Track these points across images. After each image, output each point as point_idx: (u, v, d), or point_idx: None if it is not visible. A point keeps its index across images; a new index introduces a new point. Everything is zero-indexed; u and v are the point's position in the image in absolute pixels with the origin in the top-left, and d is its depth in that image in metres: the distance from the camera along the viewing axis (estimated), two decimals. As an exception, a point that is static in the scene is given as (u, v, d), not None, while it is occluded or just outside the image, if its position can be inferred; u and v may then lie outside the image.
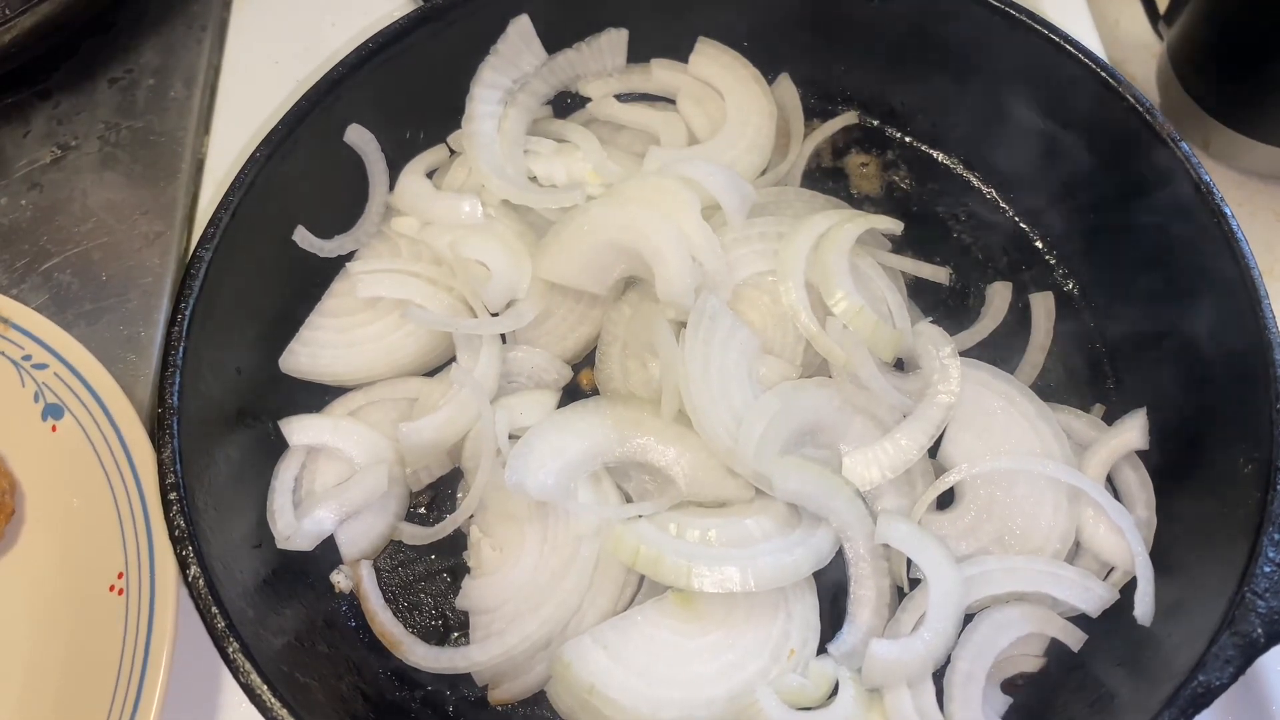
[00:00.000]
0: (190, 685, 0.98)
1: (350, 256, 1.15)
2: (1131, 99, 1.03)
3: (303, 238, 1.10)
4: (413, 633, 1.01)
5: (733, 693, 0.91)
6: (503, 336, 1.10)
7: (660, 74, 1.26)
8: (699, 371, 0.98)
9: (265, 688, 0.82)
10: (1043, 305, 1.15)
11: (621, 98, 1.26)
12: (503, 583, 0.98)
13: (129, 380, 1.14)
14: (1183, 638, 0.87)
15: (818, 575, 0.97)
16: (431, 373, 1.11)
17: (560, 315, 1.12)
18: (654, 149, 1.18)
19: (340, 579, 1.04)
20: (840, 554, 0.99)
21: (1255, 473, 0.89)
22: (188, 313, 0.95)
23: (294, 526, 1.00)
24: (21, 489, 1.05)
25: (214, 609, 0.85)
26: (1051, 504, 1.00)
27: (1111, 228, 1.11)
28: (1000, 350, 1.13)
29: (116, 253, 1.23)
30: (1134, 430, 1.03)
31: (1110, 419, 1.07)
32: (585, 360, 1.14)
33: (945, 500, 1.03)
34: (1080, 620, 0.97)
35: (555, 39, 1.21)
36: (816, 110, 1.28)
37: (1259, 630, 0.82)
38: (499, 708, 0.99)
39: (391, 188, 1.18)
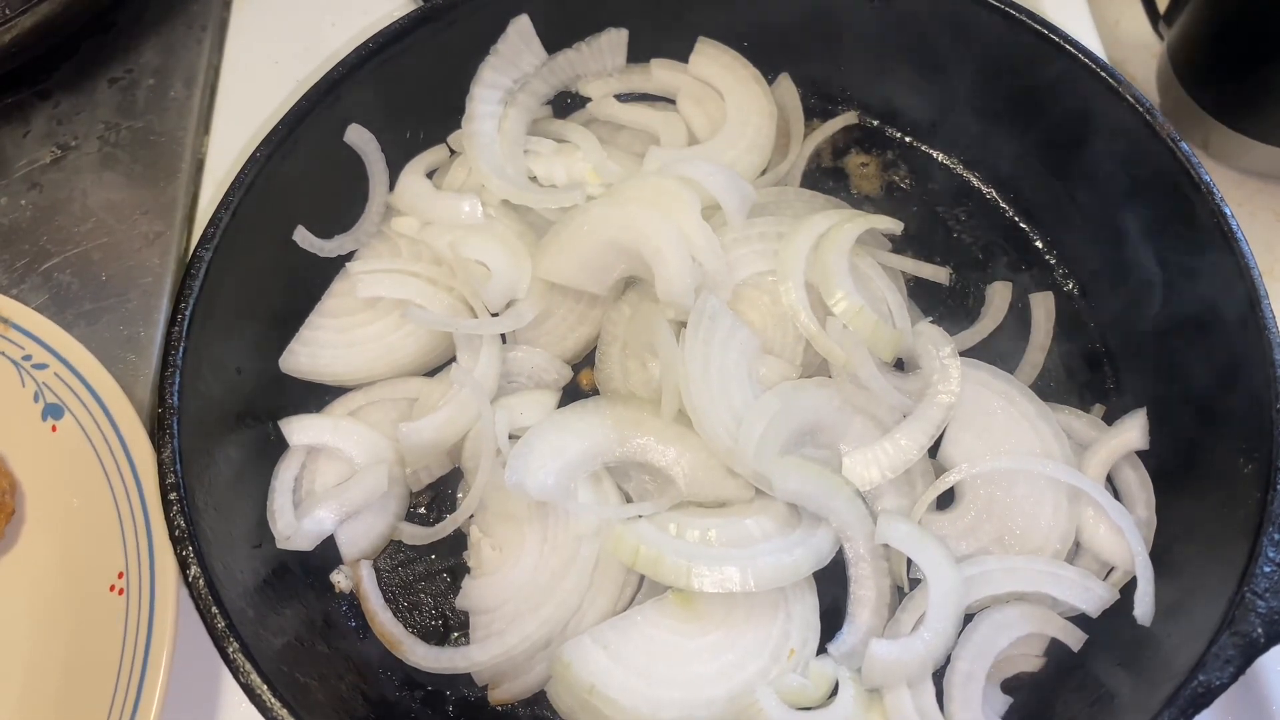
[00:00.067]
0: (190, 685, 0.98)
1: (350, 256, 1.15)
2: (1131, 99, 1.03)
3: (303, 238, 1.10)
4: (413, 633, 1.01)
5: (733, 693, 0.91)
6: (503, 336, 1.10)
7: (660, 74, 1.26)
8: (699, 371, 0.98)
9: (265, 688, 0.82)
10: (1043, 305, 1.15)
11: (621, 98, 1.26)
12: (503, 583, 0.98)
13: (129, 380, 1.14)
14: (1183, 638, 0.87)
15: (818, 575, 0.97)
16: (431, 373, 1.11)
17: (560, 315, 1.12)
18: (654, 149, 1.18)
19: (340, 579, 1.04)
20: (840, 554, 0.99)
21: (1255, 473, 0.89)
22: (188, 313, 0.95)
23: (294, 526, 1.00)
24: (21, 489, 1.05)
25: (214, 609, 0.85)
26: (1051, 504, 1.00)
27: (1111, 228, 1.11)
28: (1000, 350, 1.13)
29: (116, 253, 1.23)
30: (1134, 430, 1.03)
31: (1110, 419, 1.07)
32: (585, 360, 1.14)
33: (945, 500, 1.03)
34: (1080, 620, 0.97)
35: (555, 39, 1.21)
36: (816, 110, 1.28)
37: (1259, 630, 0.82)
38: (499, 708, 0.99)
39: (391, 188, 1.18)
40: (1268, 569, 0.84)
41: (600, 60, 1.25)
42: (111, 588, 0.96)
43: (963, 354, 1.07)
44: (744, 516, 0.96)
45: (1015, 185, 1.22)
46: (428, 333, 1.10)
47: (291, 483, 1.04)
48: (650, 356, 1.06)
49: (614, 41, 1.24)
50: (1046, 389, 1.12)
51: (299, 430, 1.05)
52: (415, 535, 1.05)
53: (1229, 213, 0.97)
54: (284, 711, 0.81)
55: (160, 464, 0.90)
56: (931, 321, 1.08)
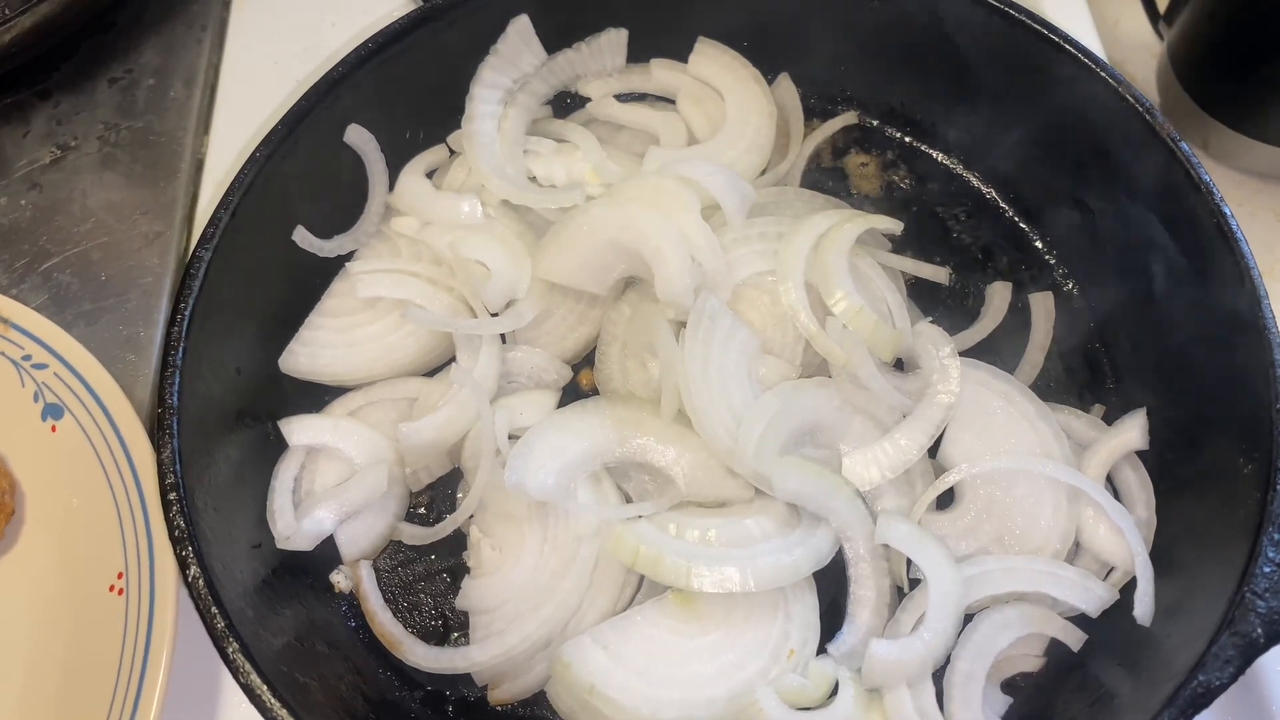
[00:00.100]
0: (190, 685, 0.98)
1: (350, 256, 1.15)
2: (1131, 99, 1.03)
3: (303, 238, 1.10)
4: (413, 633, 1.01)
5: (733, 693, 0.91)
6: (502, 336, 1.10)
7: (660, 74, 1.26)
8: (699, 371, 0.98)
9: (265, 688, 0.82)
10: (1043, 305, 1.15)
11: (621, 98, 1.26)
12: (503, 583, 0.98)
13: (129, 380, 1.14)
14: (1183, 638, 0.87)
15: (818, 575, 0.97)
16: (431, 373, 1.11)
17: (560, 315, 1.12)
18: (654, 149, 1.18)
19: (340, 579, 1.04)
20: (840, 554, 0.99)
21: (1255, 473, 0.89)
22: (188, 313, 0.95)
23: (294, 526, 1.00)
24: (21, 489, 1.05)
25: (214, 609, 0.85)
26: (1051, 504, 1.00)
27: (1111, 228, 1.11)
28: (1000, 350, 1.13)
29: (116, 253, 1.23)
30: (1134, 430, 1.03)
31: (1110, 419, 1.07)
32: (585, 360, 1.14)
33: (945, 500, 1.03)
34: (1080, 620, 0.97)
35: (555, 39, 1.21)
36: (816, 110, 1.28)
37: (1259, 630, 0.82)
38: (499, 708, 0.99)
39: (391, 188, 1.18)
40: (1268, 569, 0.84)
41: (600, 60, 1.25)
42: (111, 588, 0.96)
43: (963, 354, 1.07)
44: (744, 516, 0.96)
45: (1015, 185, 1.22)
46: (428, 333, 1.10)
47: (291, 483, 1.04)
48: (650, 356, 1.06)
49: (614, 41, 1.24)
50: (1046, 389, 1.12)
51: (299, 430, 1.05)
52: (415, 535, 1.05)
53: (1229, 213, 0.97)
54: (284, 711, 0.81)
55: (160, 464, 0.90)
56: (931, 321, 1.08)
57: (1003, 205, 1.23)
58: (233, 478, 0.99)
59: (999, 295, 1.16)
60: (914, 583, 0.98)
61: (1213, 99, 1.28)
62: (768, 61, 1.24)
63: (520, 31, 1.17)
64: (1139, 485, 1.03)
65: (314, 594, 1.02)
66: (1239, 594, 0.84)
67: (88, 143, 1.31)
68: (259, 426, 1.05)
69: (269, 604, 0.94)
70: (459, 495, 1.07)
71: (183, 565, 0.87)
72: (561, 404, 1.06)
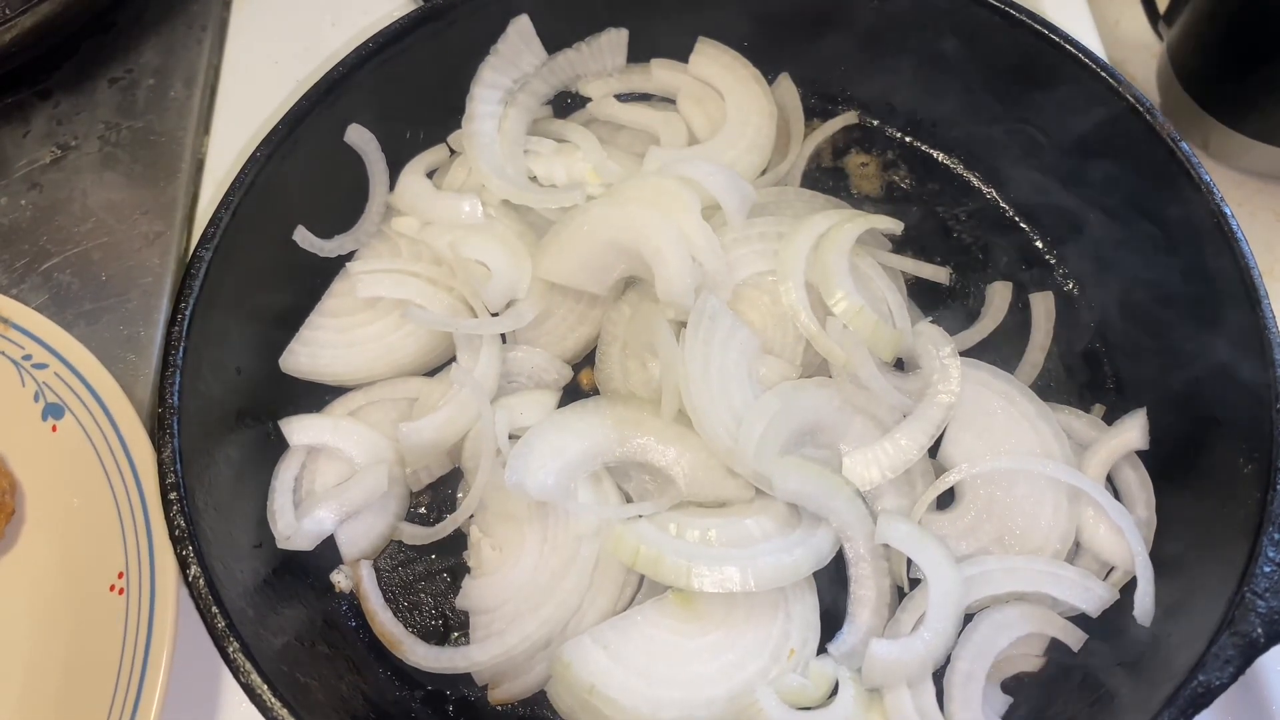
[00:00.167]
0: (190, 685, 0.98)
1: (350, 256, 1.15)
2: (1131, 99, 1.03)
3: (303, 238, 1.10)
4: (413, 633, 1.01)
5: (733, 693, 0.91)
6: (503, 336, 1.10)
7: (660, 74, 1.26)
8: (699, 371, 0.98)
9: (265, 688, 0.82)
10: (1043, 305, 1.15)
11: (621, 98, 1.26)
12: (503, 583, 0.98)
13: (129, 380, 1.14)
14: (1183, 638, 0.87)
15: (818, 575, 0.97)
16: (431, 373, 1.11)
17: (560, 315, 1.12)
18: (654, 149, 1.18)
19: (340, 579, 1.04)
20: (840, 554, 0.99)
21: (1255, 473, 0.89)
22: (188, 313, 0.95)
23: (294, 526, 1.00)
24: (21, 489, 1.05)
25: (214, 609, 0.85)
26: (1051, 504, 1.00)
27: (1112, 228, 1.11)
28: (1000, 350, 1.13)
29: (116, 253, 1.23)
30: (1134, 430, 1.03)
31: (1110, 419, 1.07)
32: (585, 360, 1.14)
33: (945, 500, 1.03)
34: (1080, 620, 0.97)
35: (555, 39, 1.21)
36: (816, 110, 1.28)
37: (1259, 630, 0.82)
38: (499, 708, 0.99)
39: (391, 188, 1.18)
40: (1268, 569, 0.84)
41: (600, 60, 1.25)
42: (111, 588, 0.96)
43: (963, 354, 1.07)
44: (744, 516, 0.96)
45: (1015, 185, 1.22)
46: (428, 333, 1.10)
47: (291, 483, 1.04)
48: (650, 356, 1.06)
49: (614, 41, 1.24)
50: (1046, 389, 1.12)
51: (299, 430, 1.05)
52: (415, 535, 1.05)
53: (1229, 213, 0.97)
54: (284, 711, 0.81)
55: (160, 464, 0.90)
56: (931, 321, 1.08)
57: (1003, 205, 1.23)
58: (233, 478, 0.99)
59: (999, 295, 1.16)
60: (914, 583, 0.98)
61: (1213, 99, 1.28)
62: (768, 61, 1.24)
63: (520, 31, 1.17)
64: (1139, 485, 1.03)
65: (314, 594, 1.02)
66: (1239, 594, 0.84)
67: (88, 143, 1.31)
68: (259, 426, 1.05)
69: (269, 604, 0.94)
70: (459, 495, 1.07)
71: (183, 565, 0.87)
72: (561, 404, 1.06)
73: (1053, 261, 1.20)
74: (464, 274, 1.09)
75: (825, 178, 1.25)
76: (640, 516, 0.96)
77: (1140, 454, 1.03)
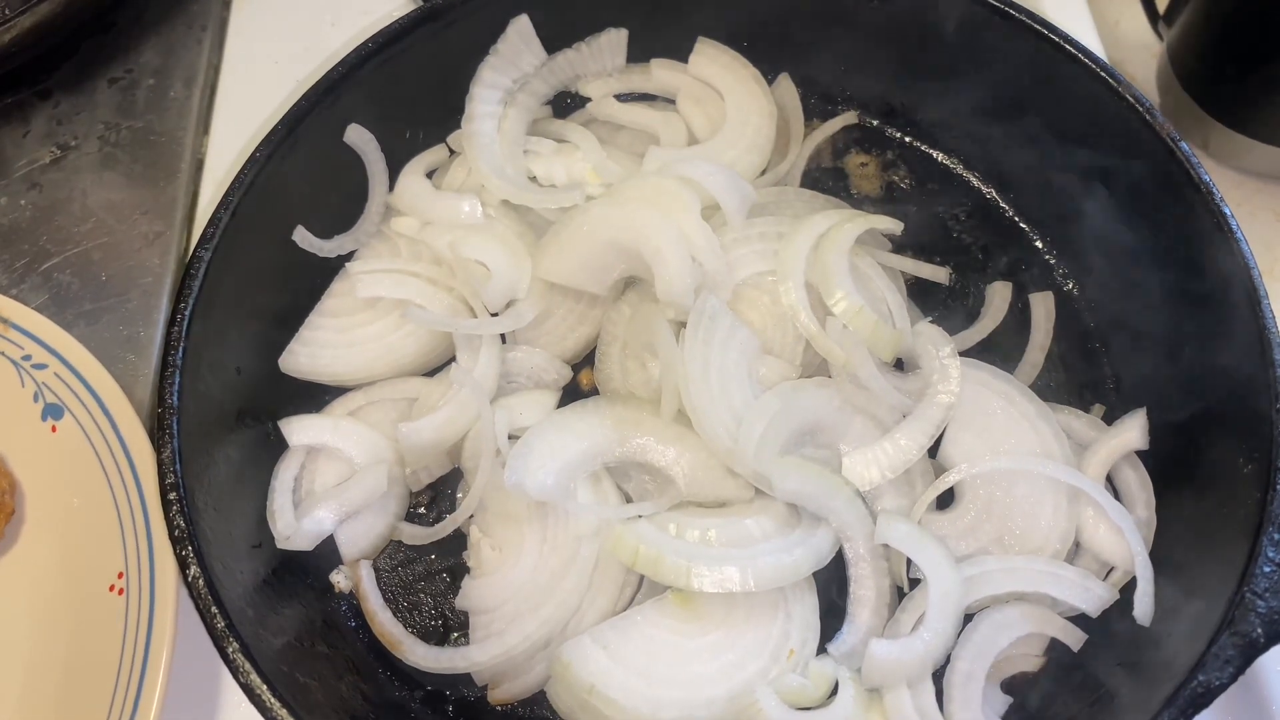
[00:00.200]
0: (190, 685, 0.98)
1: (350, 256, 1.15)
2: (1131, 99, 1.03)
3: (303, 238, 1.10)
4: (413, 633, 1.01)
5: (733, 693, 0.91)
6: (502, 336, 1.10)
7: (660, 74, 1.26)
8: (699, 371, 0.98)
9: (265, 688, 0.82)
10: (1043, 305, 1.15)
11: (621, 98, 1.26)
12: (502, 583, 0.98)
13: (129, 380, 1.14)
14: (1183, 638, 0.87)
15: (818, 575, 0.97)
16: (431, 373, 1.11)
17: (560, 315, 1.12)
18: (654, 149, 1.18)
19: (340, 579, 1.04)
20: (840, 554, 0.99)
21: (1255, 473, 0.89)
22: (188, 313, 0.95)
23: (294, 526, 1.00)
24: (21, 489, 1.05)
25: (214, 609, 0.85)
26: (1051, 504, 1.00)
27: (1112, 227, 1.11)
28: (1000, 350, 1.13)
29: (116, 253, 1.23)
30: (1134, 430, 1.03)
31: (1110, 419, 1.07)
32: (585, 360, 1.14)
33: (945, 500, 1.03)
34: (1080, 620, 0.97)
35: (555, 39, 1.21)
36: (816, 110, 1.28)
37: (1259, 630, 0.82)
38: (499, 708, 0.99)
39: (391, 188, 1.18)
40: (1268, 569, 0.84)
41: (600, 60, 1.25)
42: (111, 588, 0.96)
43: (963, 354, 1.07)
44: (744, 516, 0.96)
45: (1015, 185, 1.22)
46: (428, 333, 1.10)
47: (291, 483, 1.04)
48: (650, 356, 1.06)
49: (614, 41, 1.24)
50: (1046, 389, 1.12)
51: (299, 430, 1.05)
52: (415, 535, 1.05)
53: (1229, 213, 0.97)
54: (284, 711, 0.81)
55: (160, 464, 0.90)
56: (931, 321, 1.08)
57: (1003, 205, 1.23)
58: (233, 478, 0.99)
59: (999, 295, 1.16)
60: (914, 583, 0.98)
61: (1213, 99, 1.28)
62: (768, 61, 1.24)
63: (520, 31, 1.17)
64: (1139, 485, 1.03)
65: (314, 594, 1.02)
66: (1239, 594, 0.84)
67: (88, 143, 1.31)
68: (259, 426, 1.05)
69: (269, 604, 0.94)
70: (459, 495, 1.07)
71: (183, 565, 0.87)
72: (561, 404, 1.06)
73: (1053, 261, 1.20)
74: (464, 274, 1.09)
75: (825, 178, 1.25)
76: (640, 516, 0.96)
77: (1140, 454, 1.03)
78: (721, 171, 1.09)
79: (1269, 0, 1.16)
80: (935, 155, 1.26)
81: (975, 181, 1.25)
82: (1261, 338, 0.92)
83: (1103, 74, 1.05)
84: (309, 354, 1.09)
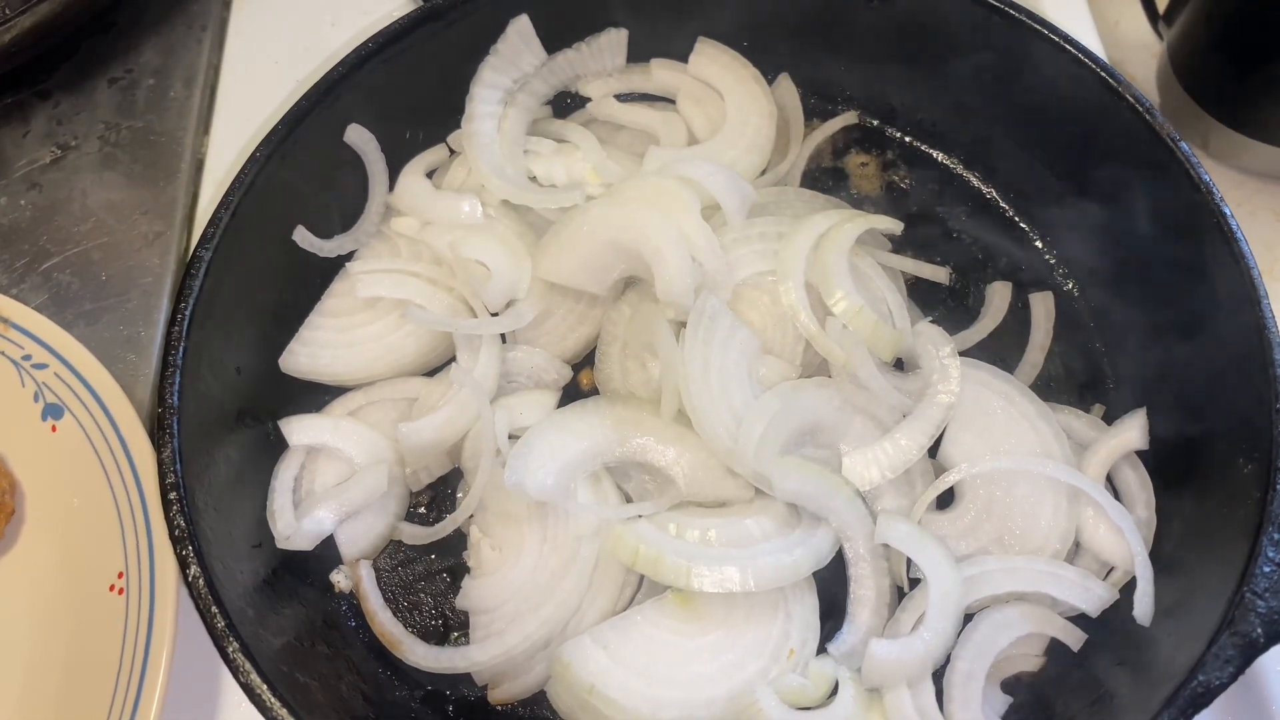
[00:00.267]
0: (190, 685, 0.98)
1: (350, 256, 1.15)
2: (1131, 99, 1.03)
3: (303, 238, 1.10)
4: (413, 633, 1.01)
5: (733, 693, 0.91)
6: (502, 336, 1.10)
7: (660, 74, 1.26)
8: (699, 371, 0.98)
9: (265, 688, 0.82)
10: (1043, 305, 1.15)
11: (621, 98, 1.26)
12: (502, 583, 0.98)
13: (129, 380, 1.14)
14: (1182, 638, 0.87)
15: (818, 575, 0.97)
16: (431, 373, 1.11)
17: (560, 315, 1.12)
18: (654, 149, 1.18)
19: (340, 579, 1.04)
20: (840, 554, 0.99)
21: (1255, 473, 0.89)
22: (188, 313, 0.95)
23: (294, 526, 1.00)
24: (21, 489, 1.05)
25: (214, 609, 0.85)
26: (1051, 504, 1.00)
27: (1111, 227, 1.11)
28: (1000, 350, 1.13)
29: (116, 253, 1.23)
30: (1134, 430, 1.03)
31: (1110, 419, 1.07)
32: (585, 360, 1.14)
33: (945, 500, 1.03)
34: (1080, 620, 0.97)
35: (555, 39, 1.21)
36: (816, 110, 1.28)
37: (1259, 630, 0.82)
38: (499, 708, 0.99)
39: (391, 188, 1.18)
40: (1267, 569, 0.84)
41: (600, 60, 1.25)
42: (111, 588, 0.96)
43: (963, 354, 1.07)
44: (744, 516, 0.96)
45: (1015, 185, 1.22)
46: (428, 333, 1.10)
47: (291, 483, 1.04)
48: (650, 356, 1.06)
49: (614, 41, 1.24)
50: (1046, 389, 1.12)
51: (299, 430, 1.05)
52: (415, 535, 1.05)
53: (1229, 213, 0.97)
54: (284, 711, 0.81)
55: (160, 464, 0.90)
56: (931, 321, 1.08)
57: (1003, 205, 1.23)
58: (233, 478, 0.99)
59: (999, 295, 1.16)
60: (914, 583, 0.98)
61: (1213, 99, 1.28)
62: (768, 61, 1.24)
63: (520, 31, 1.17)
64: (1139, 485, 1.03)
65: (314, 594, 1.02)
66: (1239, 594, 0.84)
67: (88, 143, 1.31)
68: (259, 426, 1.05)
69: (269, 604, 0.94)
70: (459, 495, 1.07)
71: (183, 565, 0.87)
72: (561, 404, 1.06)
73: (1053, 261, 1.20)
74: (464, 274, 1.09)
75: (825, 178, 1.25)
76: (640, 516, 0.96)
77: (1140, 454, 1.03)
78: (721, 171, 1.09)
79: (1269, 0, 1.16)
80: (935, 155, 1.26)
81: (975, 181, 1.25)
82: (1261, 338, 0.92)
83: (1103, 74, 1.05)
84: (309, 354, 1.09)
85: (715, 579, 0.91)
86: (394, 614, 1.02)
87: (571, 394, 1.11)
